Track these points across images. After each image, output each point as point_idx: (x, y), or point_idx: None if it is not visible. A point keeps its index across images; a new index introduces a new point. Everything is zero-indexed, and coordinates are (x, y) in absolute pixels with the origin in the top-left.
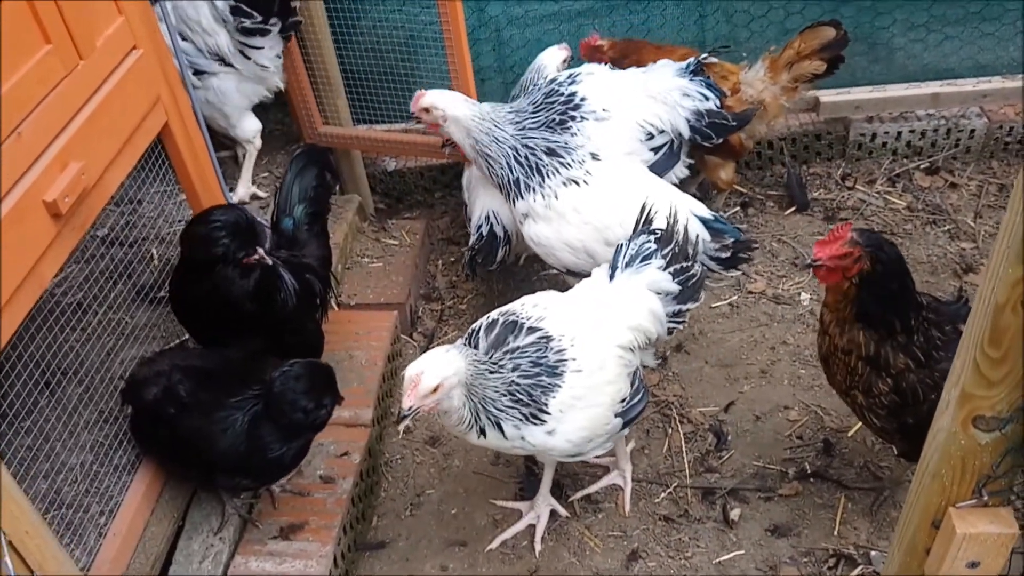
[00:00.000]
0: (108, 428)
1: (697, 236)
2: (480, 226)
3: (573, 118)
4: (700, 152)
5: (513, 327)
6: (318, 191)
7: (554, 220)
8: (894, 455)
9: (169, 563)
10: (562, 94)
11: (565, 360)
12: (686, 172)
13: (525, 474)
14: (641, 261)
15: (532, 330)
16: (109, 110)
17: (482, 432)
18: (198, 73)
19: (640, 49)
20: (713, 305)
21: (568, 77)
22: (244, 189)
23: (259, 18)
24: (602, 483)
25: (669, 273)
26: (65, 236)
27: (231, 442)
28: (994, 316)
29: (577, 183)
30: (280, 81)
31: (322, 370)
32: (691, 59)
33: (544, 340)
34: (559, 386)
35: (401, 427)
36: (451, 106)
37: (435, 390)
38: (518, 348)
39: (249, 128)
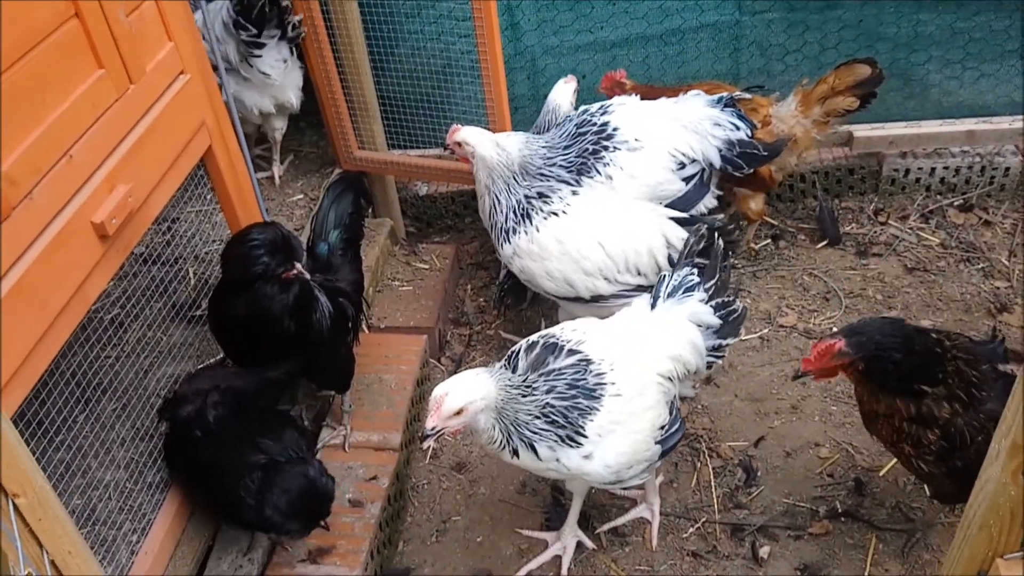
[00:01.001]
0: (142, 445)
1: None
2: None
3: (606, 148)
4: (730, 183)
5: (553, 348)
6: (353, 218)
7: (536, 254)
8: (927, 496)
9: None
10: (595, 123)
11: (604, 384)
12: (715, 203)
13: (552, 504)
14: (684, 292)
15: (572, 352)
16: (156, 133)
17: (515, 452)
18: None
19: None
20: (744, 338)
21: (600, 108)
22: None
23: (254, 31)
24: (630, 516)
25: (711, 306)
26: (110, 257)
27: (242, 496)
28: None
29: (557, 215)
30: (293, 98)
31: (321, 490)
32: (723, 93)
33: (584, 363)
34: (597, 410)
35: (424, 446)
36: (480, 145)
37: (459, 412)
38: (556, 370)
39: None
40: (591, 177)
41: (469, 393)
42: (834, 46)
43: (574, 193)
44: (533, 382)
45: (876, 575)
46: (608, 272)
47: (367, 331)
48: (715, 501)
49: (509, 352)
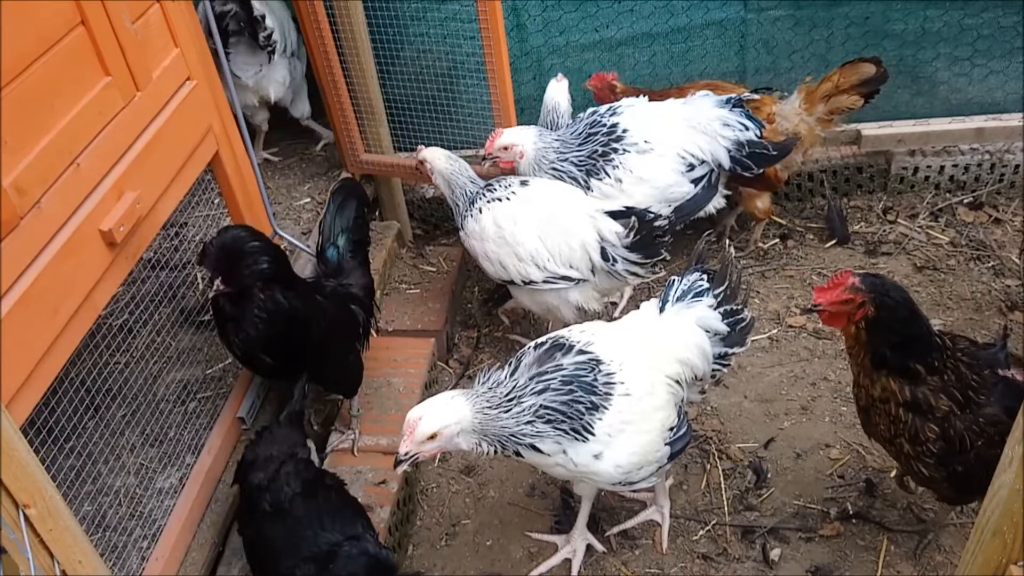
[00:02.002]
0: (152, 451)
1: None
2: None
3: (615, 150)
4: (736, 183)
5: (562, 347)
6: (358, 222)
7: (478, 234)
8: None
9: None
10: (604, 124)
11: (614, 383)
12: (723, 203)
13: (561, 507)
14: (693, 297)
15: (582, 352)
16: (164, 140)
17: (517, 454)
18: None
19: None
20: (753, 339)
21: (609, 109)
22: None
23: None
24: (639, 518)
25: (719, 313)
26: (119, 264)
27: None
28: None
29: (500, 200)
30: (272, 92)
31: (384, 563)
32: (733, 95)
33: (593, 363)
34: (606, 408)
35: (398, 471)
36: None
37: (433, 437)
38: (558, 366)
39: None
40: (599, 179)
41: (443, 418)
42: (841, 44)
43: (523, 183)
44: (520, 390)
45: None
46: (540, 260)
47: (375, 334)
48: (725, 503)
49: (520, 352)
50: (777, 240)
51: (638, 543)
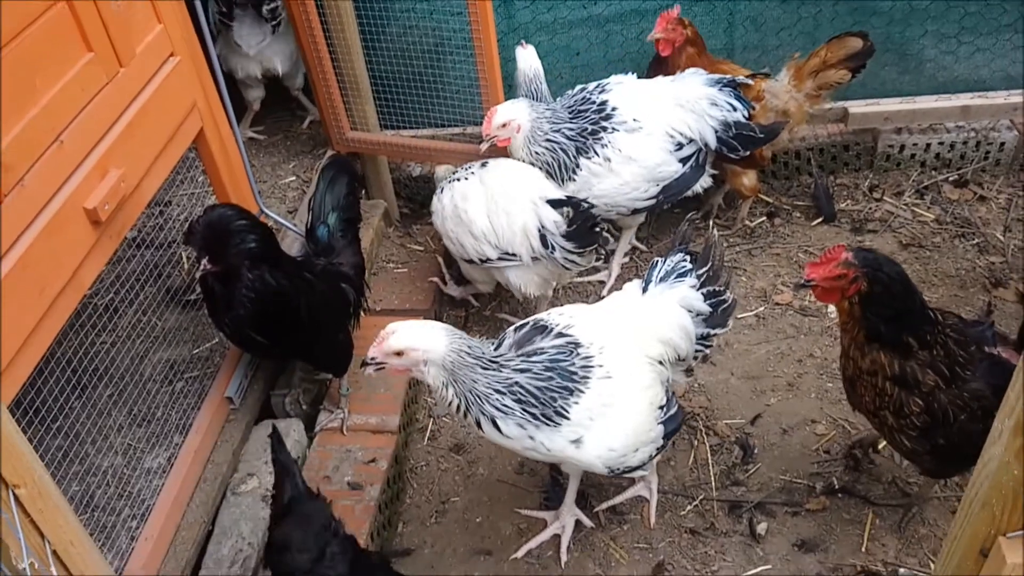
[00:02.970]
0: (140, 431)
1: (554, 223)
2: None
3: (604, 128)
4: (722, 161)
5: (542, 330)
6: (349, 200)
7: (439, 213)
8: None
9: (199, 567)
10: (593, 102)
11: (591, 367)
12: (710, 182)
13: (550, 484)
14: (676, 277)
15: (561, 335)
16: (148, 117)
17: (477, 424)
18: None
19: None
20: (739, 316)
21: (597, 86)
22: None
23: (224, 9)
24: (628, 494)
25: (701, 293)
26: (103, 243)
27: None
28: None
29: (459, 180)
30: (279, 64)
31: None
32: (726, 76)
33: (572, 346)
34: (583, 391)
35: (365, 373)
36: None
37: (399, 354)
38: (539, 349)
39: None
40: (588, 158)
41: (413, 340)
42: (829, 21)
43: (483, 165)
44: (507, 360)
45: (873, 550)
46: (491, 239)
47: (365, 314)
48: (712, 479)
49: (502, 335)
50: (764, 218)
51: (626, 518)
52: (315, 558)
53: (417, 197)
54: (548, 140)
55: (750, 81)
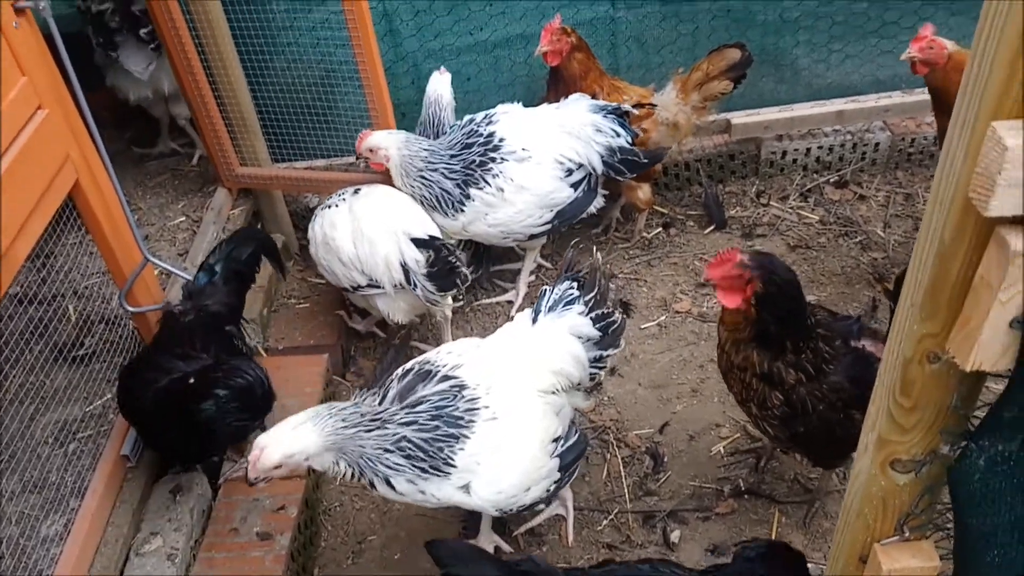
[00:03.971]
0: (33, 498)
1: (416, 261)
2: None
3: (494, 160)
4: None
5: (425, 375)
6: (249, 261)
7: (312, 240)
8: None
9: None
10: (481, 134)
11: (477, 409)
12: (603, 202)
13: (467, 513)
14: (564, 306)
15: (446, 378)
16: (17, 175)
17: (371, 484)
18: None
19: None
20: (642, 326)
21: (485, 117)
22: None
23: (101, 40)
24: (544, 515)
25: (590, 319)
26: None
27: None
28: (903, 369)
29: (329, 207)
30: (167, 85)
31: None
32: (611, 104)
33: (456, 389)
34: (468, 437)
35: (256, 488)
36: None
37: (278, 467)
38: (423, 398)
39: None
40: (480, 189)
41: (286, 447)
42: (707, 36)
43: (356, 191)
44: (391, 415)
45: None
46: (357, 265)
47: (264, 354)
48: (626, 491)
49: (385, 379)
50: (660, 229)
51: (545, 539)
52: None
53: None
54: (422, 177)
55: (635, 111)
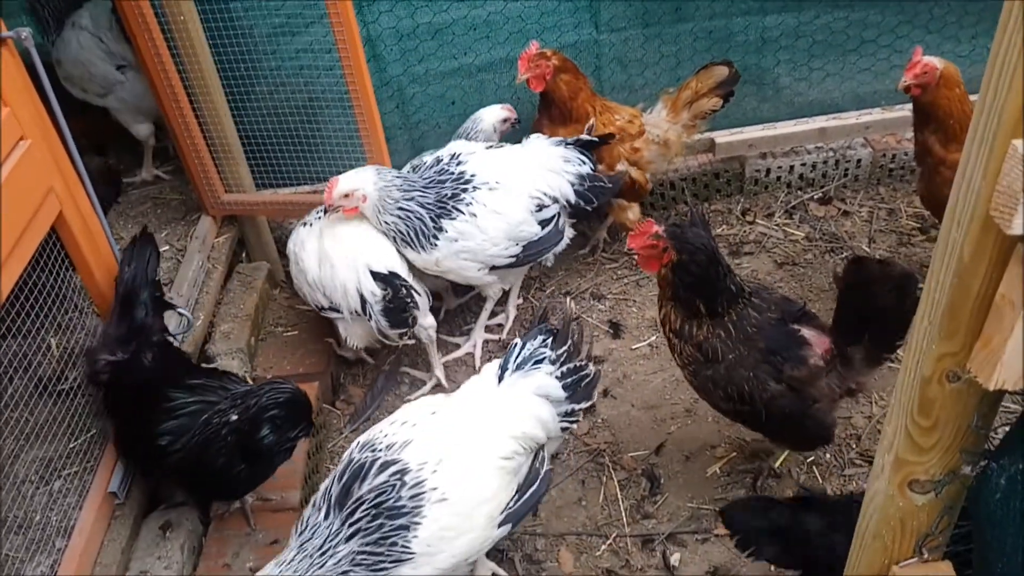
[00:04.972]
0: (17, 539)
1: (375, 295)
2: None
3: (467, 190)
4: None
5: (359, 470)
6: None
7: (289, 258)
8: (819, 481)
9: None
10: (452, 173)
11: (424, 492)
12: (566, 245)
13: None
14: (532, 364)
15: (385, 466)
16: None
17: None
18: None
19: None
20: (633, 347)
21: (452, 158)
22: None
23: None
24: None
25: (557, 377)
26: None
27: None
28: (921, 388)
29: (304, 225)
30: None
31: None
32: (569, 139)
33: (398, 476)
34: (419, 524)
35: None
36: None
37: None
38: (359, 500)
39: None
40: (453, 219)
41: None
42: (689, 57)
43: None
44: (335, 534)
45: (783, 571)
46: (320, 288)
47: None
48: (623, 514)
49: (325, 484)
50: None
51: (544, 567)
52: None
53: None
54: (400, 208)
55: (596, 139)
